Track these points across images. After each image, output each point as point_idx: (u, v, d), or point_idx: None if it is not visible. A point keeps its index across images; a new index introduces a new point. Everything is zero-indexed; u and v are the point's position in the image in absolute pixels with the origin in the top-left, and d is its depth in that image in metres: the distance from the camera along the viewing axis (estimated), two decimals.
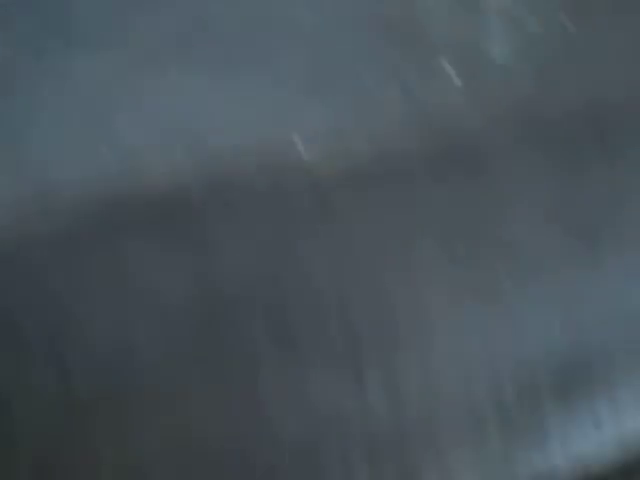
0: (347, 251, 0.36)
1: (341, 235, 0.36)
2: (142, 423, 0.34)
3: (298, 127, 0.35)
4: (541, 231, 0.41)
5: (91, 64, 0.34)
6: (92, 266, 0.33)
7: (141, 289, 0.34)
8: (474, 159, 0.38)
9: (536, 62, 0.40)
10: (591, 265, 0.42)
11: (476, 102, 0.39)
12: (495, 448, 0.40)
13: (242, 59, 0.36)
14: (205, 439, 0.35)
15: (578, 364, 0.42)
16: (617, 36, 0.43)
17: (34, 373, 0.33)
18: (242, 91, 0.36)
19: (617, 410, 0.43)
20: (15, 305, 0.32)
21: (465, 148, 0.37)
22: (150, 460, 0.34)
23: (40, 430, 0.32)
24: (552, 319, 0.42)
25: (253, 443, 0.36)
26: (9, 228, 0.33)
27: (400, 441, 0.39)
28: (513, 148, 0.39)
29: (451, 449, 0.40)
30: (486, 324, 0.40)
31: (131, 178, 0.33)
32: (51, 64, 0.34)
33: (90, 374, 0.33)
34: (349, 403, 0.37)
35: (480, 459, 0.40)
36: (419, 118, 0.38)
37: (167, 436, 0.34)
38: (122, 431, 0.33)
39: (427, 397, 0.39)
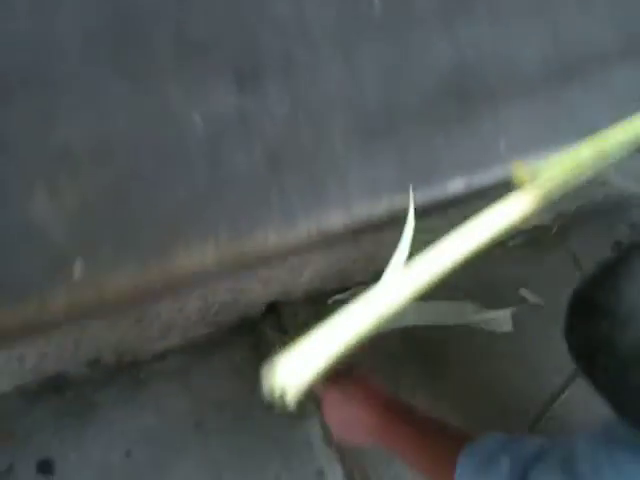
0: None
1: None
2: (65, 111, 0.38)
3: None
4: None
5: None
6: None
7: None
8: None
9: None
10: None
11: None
12: (393, 171, 0.46)
13: None
14: (122, 134, 0.40)
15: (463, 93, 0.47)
16: None
17: None
18: None
19: (500, 129, 0.48)
20: None
21: None
22: (72, 145, 0.39)
23: None
24: (438, 54, 0.47)
25: (159, 137, 0.41)
26: None
27: (298, 149, 0.44)
28: None
29: (344, 158, 0.45)
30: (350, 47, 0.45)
31: None
32: None
33: (16, 61, 0.37)
34: (249, 105, 0.42)
35: (377, 186, 0.46)
36: None
37: (89, 124, 0.39)
38: (47, 115, 0.38)
39: (319, 107, 0.44)
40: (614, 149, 0.41)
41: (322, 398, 0.91)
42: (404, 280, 0.37)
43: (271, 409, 1.01)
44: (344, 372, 0.96)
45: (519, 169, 0.40)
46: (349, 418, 0.86)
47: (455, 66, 0.47)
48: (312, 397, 0.95)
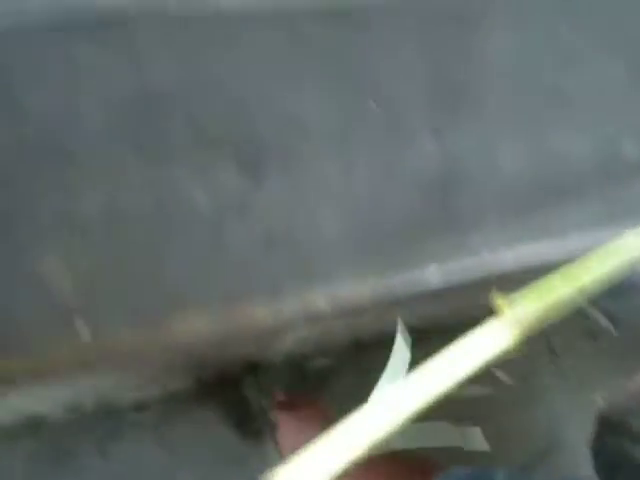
0: (249, 70, 0.46)
1: (245, 57, 0.46)
2: (83, 182, 0.43)
3: None
4: (406, 86, 0.51)
5: None
6: (48, 60, 0.42)
7: (87, 81, 0.43)
8: (356, 15, 0.49)
9: None
10: (452, 113, 0.53)
11: None
12: (378, 260, 0.50)
13: None
14: (133, 207, 0.44)
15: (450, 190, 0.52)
16: None
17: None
18: None
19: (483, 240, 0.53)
20: None
21: (349, 6, 0.49)
22: (86, 214, 0.43)
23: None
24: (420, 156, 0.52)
25: (166, 212, 0.45)
26: None
27: (292, 233, 0.48)
28: (388, 10, 0.50)
29: (335, 250, 0.49)
30: (369, 140, 0.50)
31: None
32: None
33: (43, 134, 0.42)
34: (249, 190, 0.46)
35: (361, 272, 0.50)
36: None
37: (103, 196, 0.43)
38: (66, 185, 0.42)
39: (316, 199, 0.49)
40: (590, 279, 0.44)
41: (277, 426, 0.92)
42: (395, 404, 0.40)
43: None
44: (299, 400, 0.97)
45: (497, 298, 0.43)
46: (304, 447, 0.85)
47: (442, 173, 0.52)
48: (268, 424, 0.97)
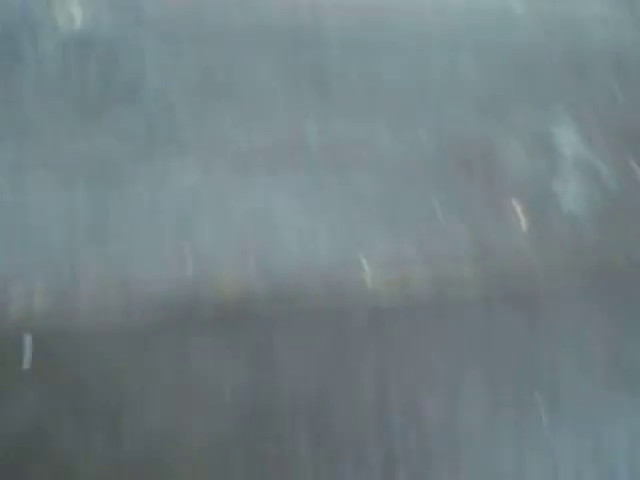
0: (394, 373, 0.38)
1: (391, 358, 0.38)
2: None
3: (366, 252, 0.38)
4: (585, 378, 0.42)
5: (184, 167, 0.37)
6: (160, 357, 0.36)
7: (201, 382, 0.37)
8: (529, 303, 0.40)
9: (604, 212, 0.42)
10: (633, 412, 0.43)
11: (538, 247, 0.41)
12: None
13: (324, 185, 0.39)
14: None
15: None
16: None
17: (95, 438, 0.36)
18: (318, 214, 0.39)
19: None
20: (90, 385, 0.36)
21: (521, 291, 0.40)
22: None
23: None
24: (583, 460, 0.43)
25: None
26: (90, 316, 0.36)
27: None
28: (569, 296, 0.40)
29: None
30: (518, 455, 0.42)
31: (205, 282, 0.36)
32: (148, 163, 0.38)
33: (142, 445, 0.36)
34: None
35: None
36: (482, 255, 0.40)
37: None
38: None
39: None
40: None
41: None
42: None
43: None
44: None
45: None
46: None
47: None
48: None
